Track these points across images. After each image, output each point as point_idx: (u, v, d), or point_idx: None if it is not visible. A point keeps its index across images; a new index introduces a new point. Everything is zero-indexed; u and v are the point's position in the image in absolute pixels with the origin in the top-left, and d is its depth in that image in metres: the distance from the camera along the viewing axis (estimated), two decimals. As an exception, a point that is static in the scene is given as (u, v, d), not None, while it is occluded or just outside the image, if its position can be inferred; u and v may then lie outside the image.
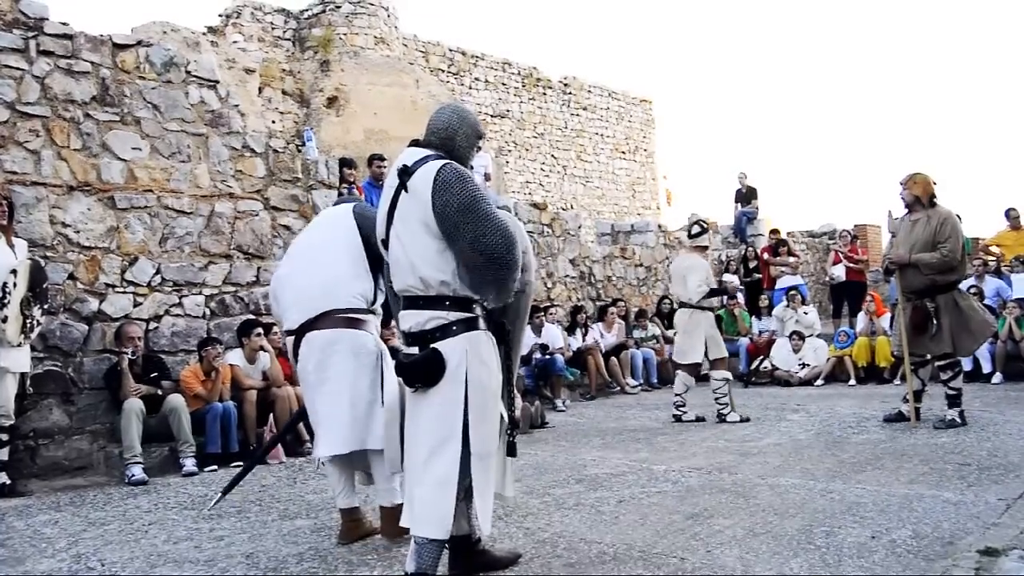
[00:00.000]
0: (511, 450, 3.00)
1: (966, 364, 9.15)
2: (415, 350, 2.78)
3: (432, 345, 2.73)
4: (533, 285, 3.15)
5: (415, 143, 2.95)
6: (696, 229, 7.54)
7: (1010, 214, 11.79)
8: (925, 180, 6.23)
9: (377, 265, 3.45)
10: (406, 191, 2.77)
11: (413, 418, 2.82)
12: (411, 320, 2.81)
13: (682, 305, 7.50)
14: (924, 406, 6.46)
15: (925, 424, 6.20)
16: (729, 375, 7.31)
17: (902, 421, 6.33)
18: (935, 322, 6.04)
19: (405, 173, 2.79)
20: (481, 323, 2.80)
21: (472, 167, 3.06)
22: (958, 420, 6.06)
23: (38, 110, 5.87)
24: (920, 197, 6.20)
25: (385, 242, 2.91)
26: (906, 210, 6.34)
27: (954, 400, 6.15)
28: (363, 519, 3.80)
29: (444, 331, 2.74)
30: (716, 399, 7.20)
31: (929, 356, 6.28)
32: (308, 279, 3.62)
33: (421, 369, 2.73)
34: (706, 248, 7.62)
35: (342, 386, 3.51)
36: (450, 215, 2.69)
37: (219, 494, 4.18)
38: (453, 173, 2.73)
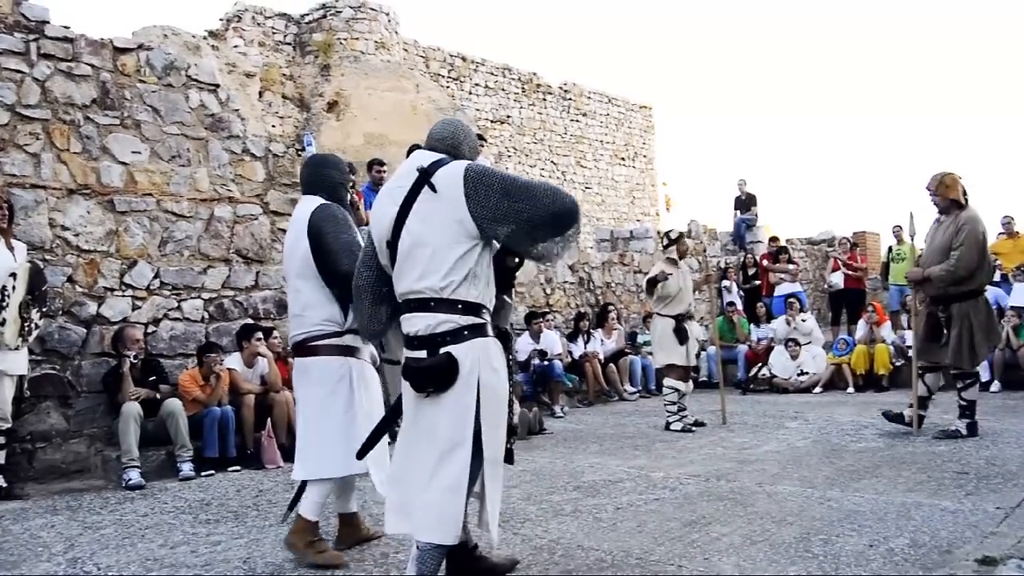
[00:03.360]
0: (508, 457, 2.97)
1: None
2: (423, 354, 2.74)
3: (446, 349, 2.70)
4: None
5: (417, 147, 2.96)
6: (665, 241, 7.66)
7: (1005, 222, 11.82)
8: (954, 180, 5.92)
9: (331, 281, 3.45)
10: (433, 190, 2.74)
11: (418, 423, 2.78)
12: (420, 323, 2.75)
13: None
14: (926, 414, 6.41)
15: (925, 432, 6.18)
16: (678, 385, 7.17)
17: (900, 423, 6.17)
18: (945, 332, 5.86)
19: (427, 173, 2.77)
20: (489, 329, 2.79)
21: None
22: (963, 431, 5.89)
23: (38, 113, 5.88)
24: (956, 199, 5.89)
25: (392, 243, 2.84)
26: (940, 214, 6.05)
27: (965, 410, 5.98)
28: (360, 524, 3.80)
29: (455, 336, 2.71)
30: (664, 406, 7.31)
31: (940, 364, 6.12)
32: (290, 302, 3.70)
33: (436, 373, 2.70)
34: (675, 260, 7.32)
35: (310, 413, 3.58)
36: (494, 204, 2.69)
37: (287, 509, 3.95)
38: (479, 169, 2.76)
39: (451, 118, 3.09)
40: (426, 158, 2.84)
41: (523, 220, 2.71)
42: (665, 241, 7.64)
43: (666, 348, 7.23)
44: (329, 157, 4.03)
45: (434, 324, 2.72)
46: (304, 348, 3.57)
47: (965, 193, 5.95)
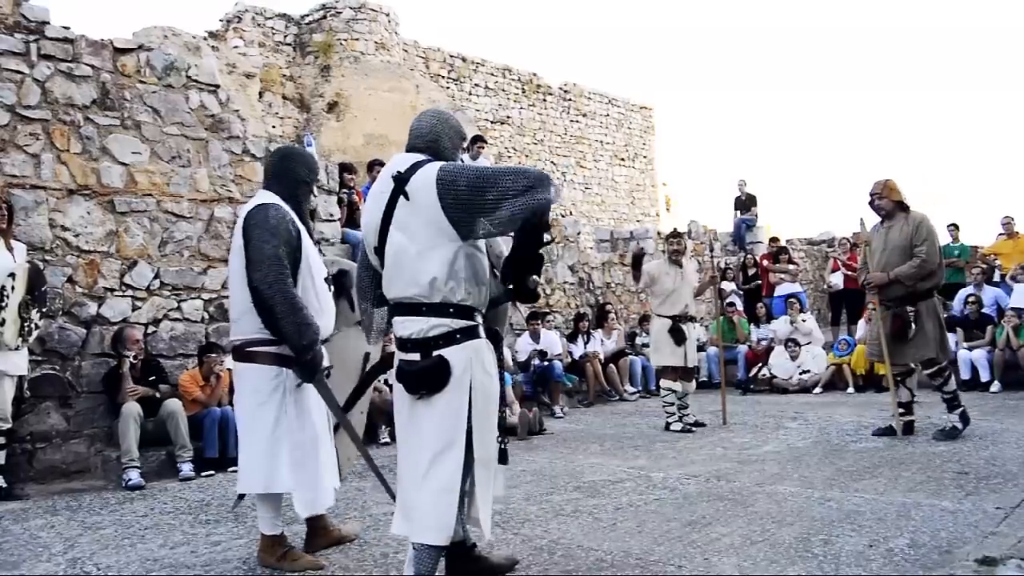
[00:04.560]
0: (502, 457, 2.97)
1: (964, 373, 9.15)
2: (415, 356, 2.76)
3: (438, 352, 2.72)
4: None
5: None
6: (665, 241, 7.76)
7: (1005, 222, 11.82)
8: (895, 184, 6.10)
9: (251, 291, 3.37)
10: (406, 198, 2.74)
11: (412, 425, 2.79)
12: (413, 327, 2.77)
13: None
14: (918, 416, 6.40)
15: (923, 433, 6.18)
16: (672, 386, 7.18)
17: (892, 435, 6.16)
18: (913, 327, 5.91)
19: (401, 180, 2.77)
20: (481, 332, 2.80)
21: None
22: (959, 426, 5.92)
23: (39, 113, 5.88)
24: (901, 202, 6.07)
25: (379, 250, 2.85)
26: (882, 219, 6.20)
27: (952, 403, 6.01)
28: (329, 526, 3.73)
29: (448, 339, 2.72)
30: (662, 407, 7.36)
31: (912, 366, 6.19)
32: (229, 305, 3.57)
33: (428, 376, 2.71)
34: (678, 260, 7.29)
35: (241, 425, 3.51)
36: (465, 200, 2.65)
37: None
38: (451, 169, 2.72)
39: (431, 110, 3.05)
40: (403, 162, 2.83)
41: (495, 207, 2.64)
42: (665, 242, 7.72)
43: (660, 349, 7.24)
44: (300, 152, 3.80)
45: (427, 328, 2.74)
46: (241, 353, 3.46)
47: (905, 197, 6.11)
